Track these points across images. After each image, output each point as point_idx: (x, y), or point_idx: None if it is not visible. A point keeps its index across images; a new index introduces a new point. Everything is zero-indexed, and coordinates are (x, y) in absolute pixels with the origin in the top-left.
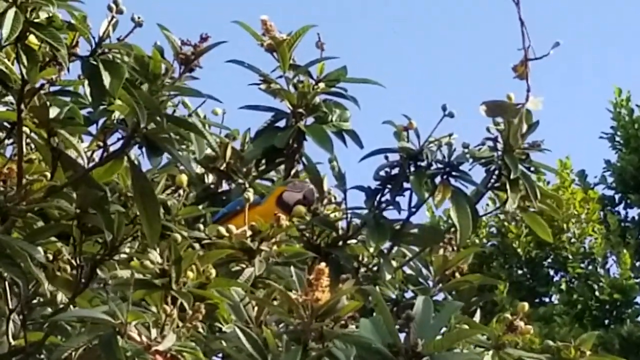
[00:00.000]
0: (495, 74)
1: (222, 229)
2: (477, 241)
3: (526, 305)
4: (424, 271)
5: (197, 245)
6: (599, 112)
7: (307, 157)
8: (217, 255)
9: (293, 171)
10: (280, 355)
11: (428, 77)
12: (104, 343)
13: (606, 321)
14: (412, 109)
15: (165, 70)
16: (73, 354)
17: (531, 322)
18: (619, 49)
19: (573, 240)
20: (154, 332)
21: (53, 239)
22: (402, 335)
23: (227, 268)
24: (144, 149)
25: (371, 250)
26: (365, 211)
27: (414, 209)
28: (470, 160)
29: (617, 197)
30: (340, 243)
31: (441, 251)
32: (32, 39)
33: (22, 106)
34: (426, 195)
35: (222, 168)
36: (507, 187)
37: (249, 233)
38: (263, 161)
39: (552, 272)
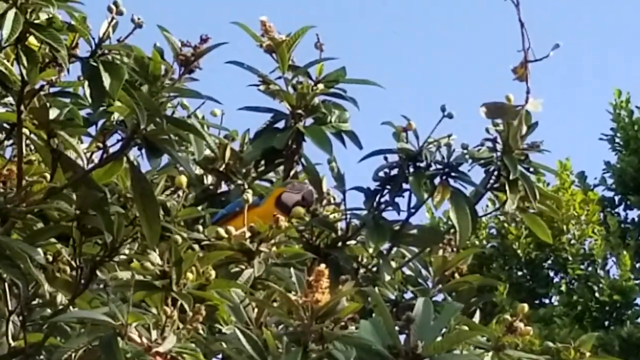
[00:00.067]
0: (494, 75)
1: (221, 230)
2: (477, 242)
3: (526, 306)
4: (424, 272)
5: (196, 247)
6: (599, 114)
7: (306, 158)
8: (217, 257)
9: (292, 172)
10: (280, 356)
11: (427, 78)
12: (104, 344)
13: (606, 322)
14: (411, 110)
15: (164, 72)
16: (73, 355)
17: (531, 323)
18: (619, 50)
19: (573, 241)
20: (154, 334)
21: (53, 240)
22: (402, 337)
23: (227, 269)
24: (143, 151)
25: (370, 251)
26: (365, 212)
27: (413, 210)
28: (470, 161)
29: (617, 198)
30: (340, 244)
31: (440, 252)
32: (31, 40)
33: (22, 107)
34: (425, 196)
35: (221, 169)
36: (507, 187)
37: (248, 234)
38: (262, 162)
39: (552, 274)
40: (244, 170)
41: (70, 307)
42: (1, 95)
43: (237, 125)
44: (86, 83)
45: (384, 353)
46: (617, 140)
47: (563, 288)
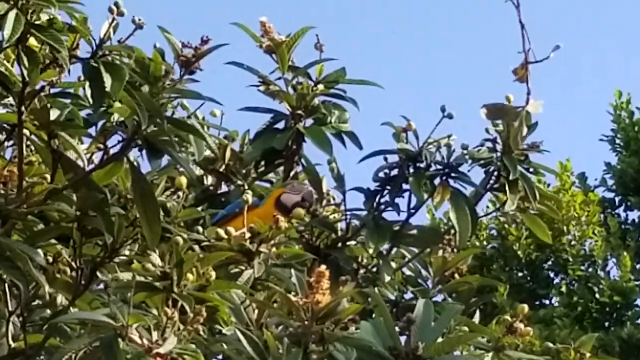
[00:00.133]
0: (494, 75)
1: (221, 231)
2: (477, 243)
3: (526, 307)
4: (423, 272)
5: (196, 247)
6: (599, 115)
7: (306, 159)
8: (217, 258)
9: (292, 173)
10: (280, 358)
11: (427, 79)
12: (105, 345)
13: (606, 323)
14: (411, 110)
15: (165, 72)
16: (73, 356)
17: (531, 324)
18: (619, 51)
19: (573, 242)
20: (155, 335)
21: (53, 241)
22: (402, 338)
23: (226, 270)
24: (144, 152)
25: (370, 251)
26: (365, 212)
27: (413, 210)
28: (469, 161)
29: (617, 199)
30: (340, 244)
31: (440, 252)
32: (32, 41)
33: (23, 108)
34: (425, 196)
35: (221, 170)
36: (506, 188)
37: (247, 235)
38: (262, 163)
39: (552, 275)
40: (244, 171)
41: (71, 308)
42: (2, 96)
43: (237, 126)
44: (87, 84)
45: (385, 354)
46: (617, 141)
47: (563, 289)
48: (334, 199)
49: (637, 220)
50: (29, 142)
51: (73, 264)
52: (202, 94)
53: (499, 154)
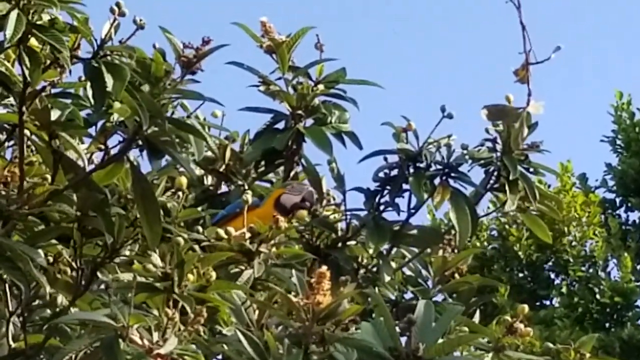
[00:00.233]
0: (495, 76)
1: (221, 231)
2: (478, 244)
3: (526, 307)
4: (424, 272)
5: (196, 247)
6: (600, 116)
7: (306, 159)
8: (217, 258)
9: (292, 173)
10: (281, 358)
11: (427, 79)
12: (105, 346)
13: (607, 324)
14: (411, 111)
15: (166, 73)
16: (73, 357)
17: (532, 325)
18: (620, 52)
19: (574, 243)
20: (155, 336)
21: (53, 241)
22: (403, 339)
23: (226, 270)
24: (144, 152)
25: (370, 251)
26: (365, 212)
27: (413, 210)
28: (469, 161)
29: (618, 200)
30: (340, 244)
31: (440, 252)
32: (33, 41)
33: (24, 108)
34: (425, 196)
35: (221, 170)
36: (507, 188)
37: (247, 235)
38: (262, 163)
39: (553, 275)
40: (244, 171)
41: (71, 309)
42: (3, 96)
43: (237, 126)
44: (88, 84)
45: (385, 355)
46: (618, 142)
47: (564, 290)
48: (334, 199)
49: (637, 221)
50: (29, 143)
51: (73, 264)
52: (203, 95)
53: (499, 154)
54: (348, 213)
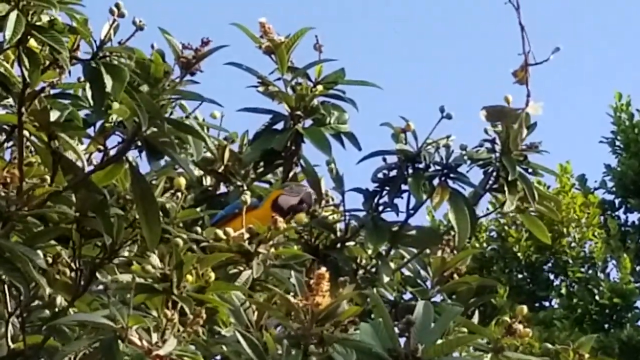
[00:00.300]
0: (494, 77)
1: (220, 232)
2: (477, 245)
3: (525, 308)
4: (422, 273)
5: (195, 248)
6: (599, 117)
7: (305, 160)
8: (217, 259)
9: (291, 173)
10: (280, 359)
11: (426, 79)
12: (104, 347)
13: (606, 325)
14: (410, 111)
15: (165, 74)
16: (72, 358)
17: (531, 326)
18: (620, 53)
19: (573, 244)
20: (154, 337)
21: (52, 242)
22: (402, 340)
23: (225, 271)
24: (143, 153)
25: (369, 252)
26: (364, 213)
27: (412, 211)
28: (468, 162)
29: (617, 201)
30: (339, 245)
31: (439, 253)
32: (32, 42)
33: (23, 109)
34: (424, 197)
35: (220, 170)
36: (505, 188)
37: (246, 236)
38: (261, 163)
39: (552, 276)
40: (243, 172)
41: (71, 310)
42: (2, 97)
43: (236, 127)
44: (87, 85)
45: (384, 356)
46: (617, 143)
47: (563, 291)
48: (332, 199)
49: (637, 222)
50: (28, 144)
51: (72, 265)
52: (202, 95)
53: (497, 154)
54: (347, 214)
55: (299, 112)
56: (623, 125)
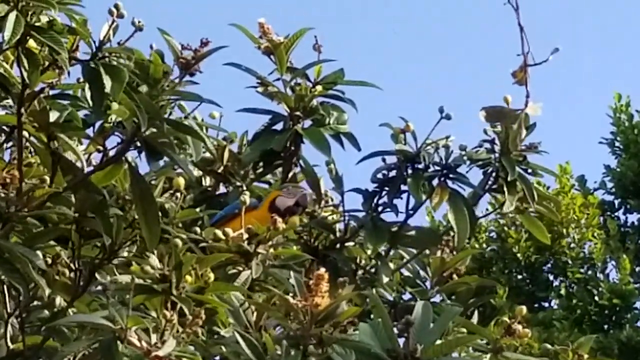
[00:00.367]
0: (493, 77)
1: (219, 232)
2: (476, 246)
3: (524, 308)
4: (422, 273)
5: (194, 248)
6: (599, 117)
7: (304, 160)
8: (216, 259)
9: (290, 174)
10: None
11: (426, 80)
12: (104, 348)
13: (605, 326)
14: (409, 112)
15: (164, 74)
16: (72, 358)
17: (530, 326)
18: (619, 53)
19: (573, 245)
20: (154, 337)
21: (52, 243)
22: (401, 340)
23: (224, 271)
24: (143, 153)
25: (369, 252)
26: (363, 213)
27: (411, 212)
28: (468, 162)
29: (616, 202)
30: (338, 245)
31: (439, 253)
32: (31, 43)
33: (22, 110)
34: (423, 197)
35: (219, 171)
36: (505, 189)
37: (245, 236)
38: (260, 164)
39: (551, 277)
40: (242, 172)
41: (70, 310)
42: (1, 97)
43: (236, 127)
44: (87, 85)
45: (383, 356)
46: (617, 144)
47: (563, 292)
48: (332, 200)
49: (636, 223)
50: (28, 144)
51: (72, 265)
52: (202, 96)
53: (497, 155)
54: (346, 214)
55: (298, 113)
56: (622, 126)
